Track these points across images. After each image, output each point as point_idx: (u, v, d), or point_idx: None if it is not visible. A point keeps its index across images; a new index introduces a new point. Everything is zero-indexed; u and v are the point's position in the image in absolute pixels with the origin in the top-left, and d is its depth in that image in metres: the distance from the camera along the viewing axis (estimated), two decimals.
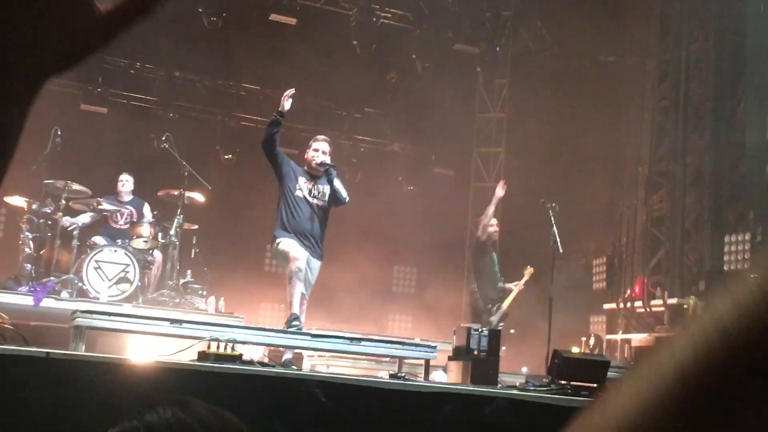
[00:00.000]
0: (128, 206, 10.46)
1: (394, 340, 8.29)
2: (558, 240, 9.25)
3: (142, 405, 1.43)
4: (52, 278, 9.11)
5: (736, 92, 11.75)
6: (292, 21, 13.35)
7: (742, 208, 11.32)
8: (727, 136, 11.72)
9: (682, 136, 12.36)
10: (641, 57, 13.46)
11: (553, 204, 9.46)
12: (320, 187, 8.05)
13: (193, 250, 11.13)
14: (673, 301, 11.70)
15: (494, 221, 11.19)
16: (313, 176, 8.07)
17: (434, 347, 7.24)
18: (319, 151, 8.10)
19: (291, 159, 8.27)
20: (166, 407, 1.41)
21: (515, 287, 11.09)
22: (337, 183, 8.02)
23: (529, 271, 11.19)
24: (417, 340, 8.93)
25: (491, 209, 11.02)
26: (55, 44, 0.60)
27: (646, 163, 13.01)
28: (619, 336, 12.77)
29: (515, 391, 6.14)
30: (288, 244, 7.67)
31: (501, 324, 10.74)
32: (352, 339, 7.24)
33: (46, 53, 0.61)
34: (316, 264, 7.91)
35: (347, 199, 8.10)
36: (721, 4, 12.04)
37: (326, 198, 8.07)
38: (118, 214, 10.35)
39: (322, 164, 7.99)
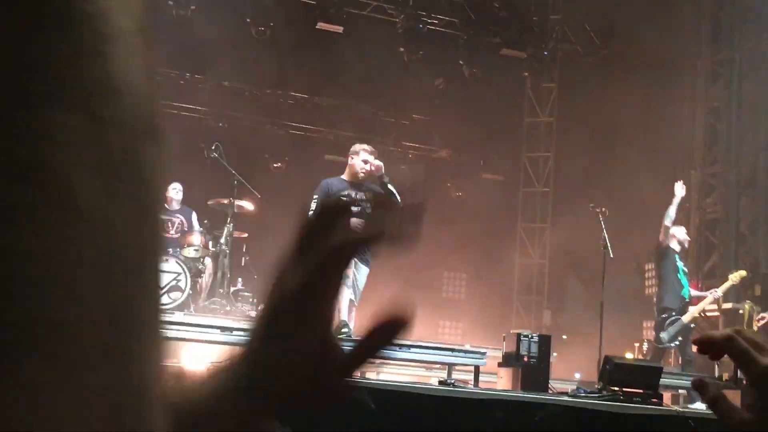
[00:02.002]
0: (178, 215, 10.59)
1: (443, 347, 8.27)
2: (608, 244, 9.14)
3: None
4: None
5: None
6: (339, 29, 13.41)
7: None
8: None
9: (736, 137, 12.15)
10: (693, 58, 13.26)
11: (603, 208, 9.36)
12: (365, 194, 8.04)
13: (243, 258, 11.23)
14: (728, 305, 11.49)
15: (679, 227, 10.29)
16: (357, 185, 8.04)
17: (484, 353, 7.21)
18: (368, 163, 8.07)
19: (328, 180, 8.23)
20: None
21: (710, 295, 10.10)
22: (392, 188, 8.03)
23: (737, 275, 10.13)
24: (467, 347, 8.89)
25: (672, 211, 10.05)
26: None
27: (698, 166, 12.81)
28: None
29: (566, 398, 6.08)
30: None
31: (677, 340, 9.70)
32: (401, 345, 7.23)
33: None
34: (364, 270, 7.92)
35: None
36: None
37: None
38: (169, 223, 10.48)
39: (380, 178, 7.96)
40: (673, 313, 9.80)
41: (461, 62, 14.39)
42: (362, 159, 8.11)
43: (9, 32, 0.37)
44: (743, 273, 10.00)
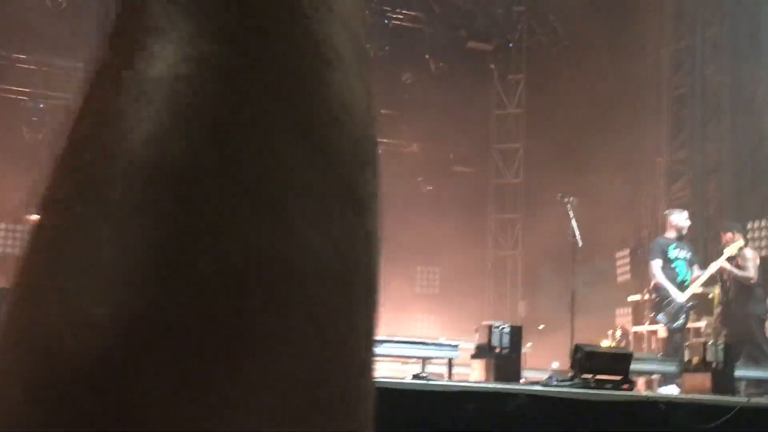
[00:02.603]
0: None
1: (415, 341, 8.29)
2: (577, 234, 9.20)
3: None
4: None
5: (753, 77, 11.65)
6: None
7: (764, 194, 11.22)
8: (746, 121, 11.63)
9: (701, 123, 12.28)
10: (656, 46, 13.38)
11: (571, 198, 9.42)
12: None
13: None
14: (698, 290, 11.60)
15: (681, 212, 9.94)
16: None
17: (456, 346, 7.24)
18: None
19: None
20: None
21: (705, 272, 9.69)
22: None
23: (734, 245, 9.64)
24: (441, 340, 8.93)
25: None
26: None
27: (665, 153, 12.93)
28: (645, 328, 12.69)
29: (538, 387, 6.12)
30: None
31: (677, 323, 9.41)
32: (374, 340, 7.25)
33: None
34: None
35: None
36: None
37: None
38: None
39: None
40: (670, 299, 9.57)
41: (427, 56, 14.43)
42: None
43: (234, 48, 0.37)
44: (740, 243, 9.68)
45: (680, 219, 9.82)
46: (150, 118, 0.37)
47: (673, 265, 9.70)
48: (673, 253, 9.73)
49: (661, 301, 9.72)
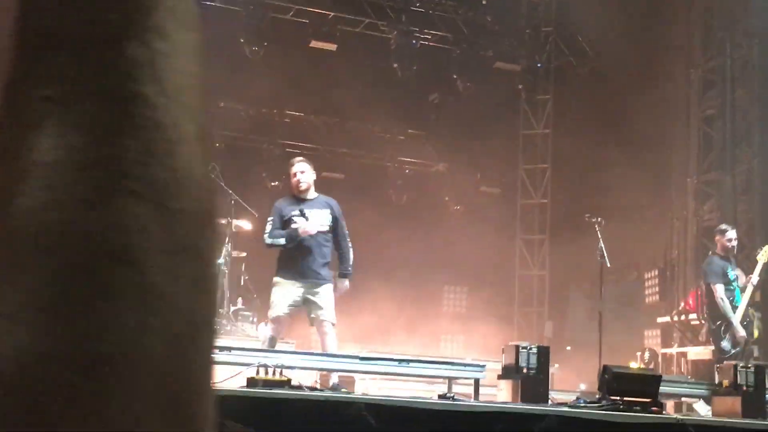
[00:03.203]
0: None
1: (442, 361, 8.27)
2: (605, 254, 9.15)
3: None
4: None
5: None
6: (333, 47, 13.47)
7: None
8: None
9: (730, 144, 12.19)
10: (686, 66, 13.32)
11: (599, 218, 9.37)
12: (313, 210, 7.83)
13: (242, 278, 11.23)
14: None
15: (731, 229, 9.56)
16: (300, 200, 7.82)
17: (483, 366, 7.21)
18: (298, 172, 7.82)
19: (280, 203, 8.02)
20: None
21: (750, 285, 9.27)
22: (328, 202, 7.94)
23: (764, 252, 9.33)
24: (468, 360, 8.89)
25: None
26: None
27: (694, 174, 12.85)
28: (674, 350, 12.57)
29: (565, 408, 6.08)
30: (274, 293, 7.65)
31: (736, 348, 8.99)
32: (400, 361, 7.24)
33: None
34: (326, 288, 7.71)
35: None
36: (764, 9, 11.89)
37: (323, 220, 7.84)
38: None
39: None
40: (724, 321, 9.21)
41: (455, 76, 14.45)
42: (292, 173, 7.95)
43: (94, 137, 0.42)
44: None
45: (733, 236, 9.48)
46: (29, 194, 0.42)
47: (731, 287, 9.36)
48: (732, 273, 9.42)
49: (719, 327, 9.30)
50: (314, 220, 7.65)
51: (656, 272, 14.01)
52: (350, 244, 8.11)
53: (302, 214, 7.63)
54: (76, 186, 0.39)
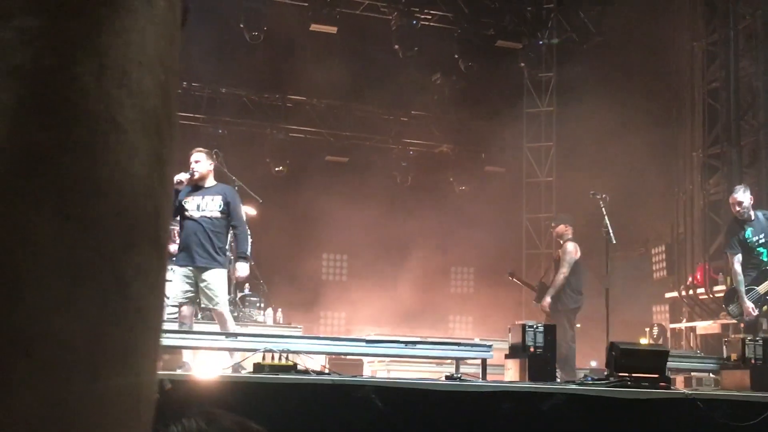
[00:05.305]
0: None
1: (448, 342, 8.27)
2: (611, 231, 9.11)
3: (171, 416, 1.45)
4: None
5: None
6: (333, 30, 13.41)
7: None
8: None
9: (735, 117, 12.10)
10: (689, 39, 13.21)
11: (604, 195, 9.33)
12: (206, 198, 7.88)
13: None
14: None
15: (744, 191, 8.88)
16: (198, 188, 7.88)
17: (490, 346, 7.20)
18: (193, 162, 7.85)
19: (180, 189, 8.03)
20: (191, 418, 1.43)
21: None
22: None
23: None
24: (476, 340, 8.89)
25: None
26: None
27: (700, 147, 12.77)
28: (683, 324, 12.55)
29: (573, 386, 6.07)
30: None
31: (744, 317, 8.59)
32: (407, 343, 7.23)
33: None
34: (215, 272, 7.68)
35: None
36: None
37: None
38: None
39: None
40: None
41: (457, 56, 14.38)
42: (189, 163, 7.93)
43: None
44: None
45: (739, 198, 8.76)
46: None
47: (756, 252, 8.77)
48: (753, 237, 8.78)
49: (732, 291, 8.92)
50: (206, 207, 7.76)
51: (663, 248, 13.97)
52: (247, 230, 8.27)
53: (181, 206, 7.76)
54: None
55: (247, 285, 10.94)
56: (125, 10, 0.41)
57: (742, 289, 8.70)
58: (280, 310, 10.86)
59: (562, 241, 10.38)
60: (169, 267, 7.73)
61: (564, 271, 10.02)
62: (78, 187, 0.36)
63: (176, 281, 7.60)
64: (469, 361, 7.88)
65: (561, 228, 10.42)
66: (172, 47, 0.43)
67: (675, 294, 13.03)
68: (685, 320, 12.63)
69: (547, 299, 10.01)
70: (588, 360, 10.69)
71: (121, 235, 0.37)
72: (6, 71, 0.38)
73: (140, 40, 0.41)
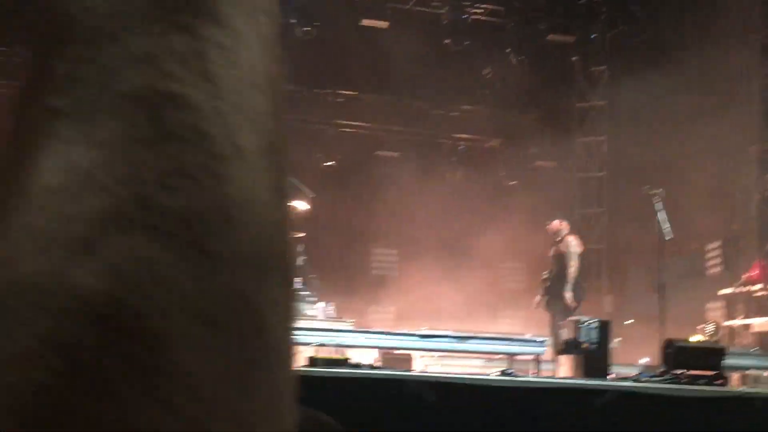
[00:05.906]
0: None
1: (502, 337, 8.25)
2: (665, 226, 9.01)
3: None
4: None
5: None
6: (384, 24, 13.44)
7: None
8: None
9: None
10: (745, 32, 12.98)
11: (658, 190, 9.23)
12: None
13: (300, 258, 11.31)
14: None
15: None
16: None
17: (543, 342, 7.17)
18: None
19: None
20: None
21: None
22: None
23: None
24: (527, 336, 8.86)
25: None
26: None
27: (757, 142, 12.55)
28: (739, 321, 12.35)
29: (628, 383, 6.02)
30: None
31: None
32: (459, 338, 7.24)
33: None
34: None
35: None
36: None
37: None
38: None
39: None
40: None
41: (508, 50, 14.31)
42: None
43: (106, 154, 0.34)
44: None
45: None
46: (33, 234, 0.33)
47: None
48: None
49: None
50: None
51: (718, 243, 13.75)
52: None
53: None
54: (69, 223, 0.30)
55: (298, 279, 11.02)
56: (231, 29, 0.40)
57: None
58: (332, 304, 10.92)
59: (559, 237, 10.44)
60: None
61: (574, 263, 10.18)
62: (206, 216, 0.33)
63: None
64: (520, 357, 7.86)
65: (556, 224, 10.56)
66: (278, 66, 0.42)
67: (731, 290, 12.83)
68: (741, 317, 12.43)
69: (569, 293, 10.12)
70: (638, 357, 10.58)
71: (254, 269, 0.36)
72: (115, 96, 0.37)
73: (250, 59, 0.40)
